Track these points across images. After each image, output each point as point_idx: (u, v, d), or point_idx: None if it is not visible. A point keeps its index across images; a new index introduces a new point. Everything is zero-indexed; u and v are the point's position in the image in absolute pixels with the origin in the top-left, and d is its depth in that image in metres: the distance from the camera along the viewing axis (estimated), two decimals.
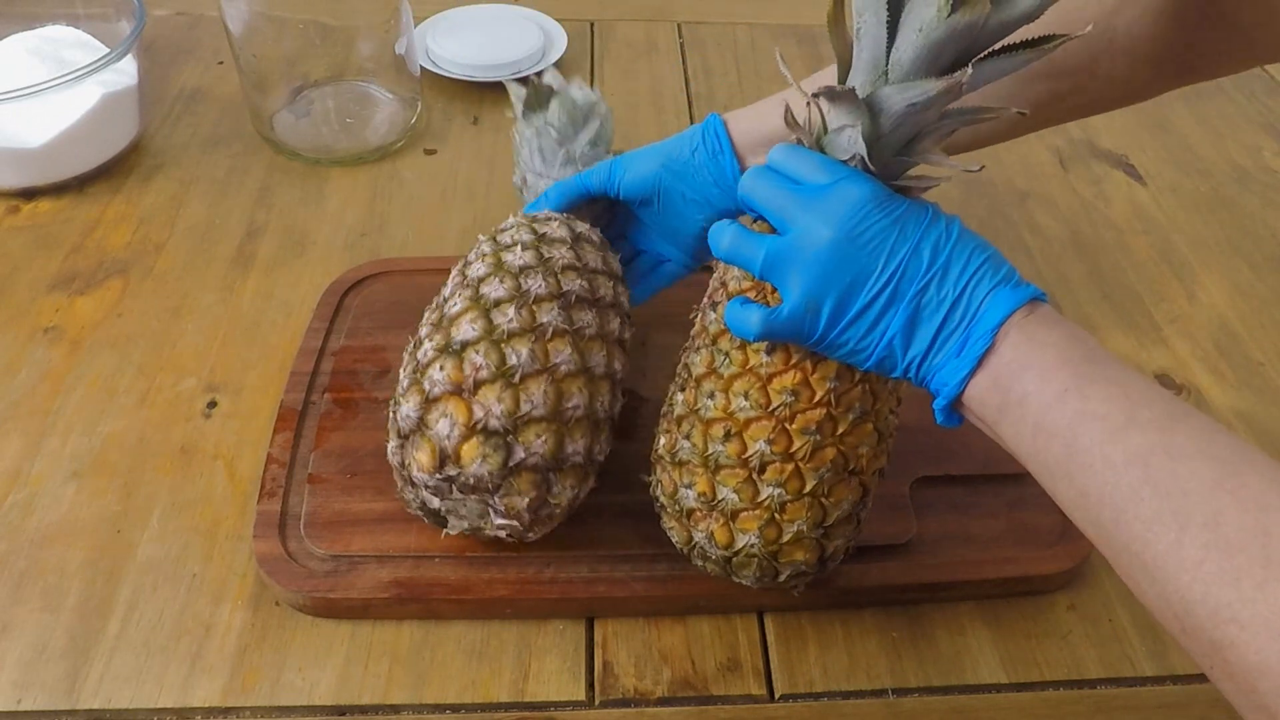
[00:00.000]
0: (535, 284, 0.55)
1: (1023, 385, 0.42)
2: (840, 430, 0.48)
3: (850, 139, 0.46)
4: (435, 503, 0.54)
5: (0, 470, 0.63)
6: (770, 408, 0.48)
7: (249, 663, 0.55)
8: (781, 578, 0.52)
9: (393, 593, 0.56)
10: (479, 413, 0.51)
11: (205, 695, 0.53)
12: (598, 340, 0.56)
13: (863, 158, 0.46)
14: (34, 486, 0.63)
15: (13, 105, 0.77)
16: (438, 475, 0.52)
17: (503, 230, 0.61)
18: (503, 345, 0.53)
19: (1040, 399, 0.41)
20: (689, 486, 0.52)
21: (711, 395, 0.50)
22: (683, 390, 0.53)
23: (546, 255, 0.58)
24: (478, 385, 0.52)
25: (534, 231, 0.60)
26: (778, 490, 0.49)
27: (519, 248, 0.58)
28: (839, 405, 0.48)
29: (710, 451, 0.50)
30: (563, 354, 0.54)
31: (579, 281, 0.57)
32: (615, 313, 0.59)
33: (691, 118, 0.99)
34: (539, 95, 0.68)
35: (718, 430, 0.50)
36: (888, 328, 0.45)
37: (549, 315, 0.54)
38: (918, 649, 0.58)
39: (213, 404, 0.68)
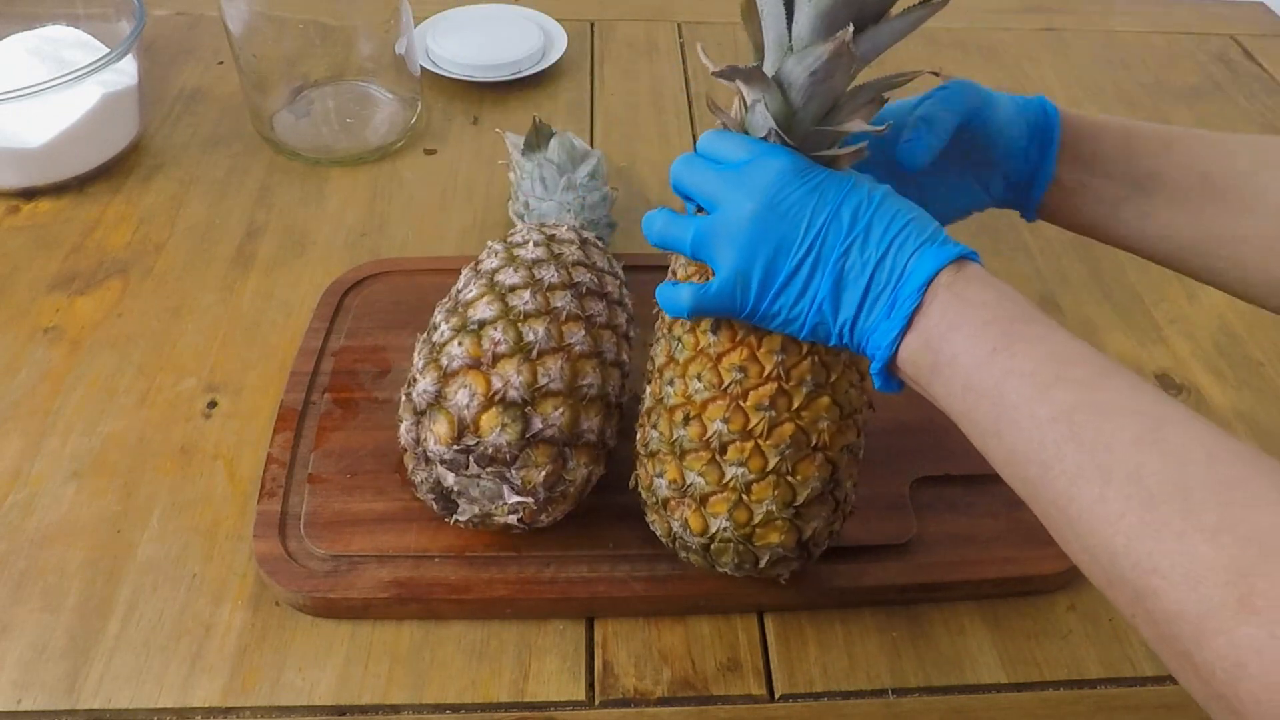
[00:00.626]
0: (548, 273, 0.58)
1: (953, 345, 0.42)
2: (795, 405, 0.49)
3: (763, 115, 0.47)
4: (449, 479, 0.54)
5: (0, 470, 0.63)
6: (723, 386, 0.49)
7: (249, 663, 0.55)
8: (762, 563, 0.52)
9: (393, 593, 0.56)
10: (498, 384, 0.52)
11: (205, 695, 0.53)
12: (608, 329, 0.58)
13: (777, 131, 0.47)
14: (34, 486, 0.63)
15: (13, 105, 0.77)
16: (455, 446, 0.53)
17: (513, 234, 0.64)
18: (519, 324, 0.54)
19: (970, 358, 0.41)
20: (660, 475, 0.52)
21: (671, 383, 0.51)
22: (650, 383, 0.54)
23: (557, 251, 0.60)
24: (496, 359, 0.53)
25: (543, 233, 0.63)
26: (740, 470, 0.49)
27: (531, 244, 0.60)
28: (789, 379, 0.49)
29: (675, 437, 0.51)
30: (576, 335, 0.55)
31: (589, 276, 0.60)
32: (621, 310, 0.61)
33: (691, 118, 0.99)
34: (539, 136, 0.71)
35: (679, 415, 0.51)
36: (816, 293, 0.45)
37: (562, 301, 0.56)
38: (917, 649, 0.58)
39: (213, 404, 0.68)
